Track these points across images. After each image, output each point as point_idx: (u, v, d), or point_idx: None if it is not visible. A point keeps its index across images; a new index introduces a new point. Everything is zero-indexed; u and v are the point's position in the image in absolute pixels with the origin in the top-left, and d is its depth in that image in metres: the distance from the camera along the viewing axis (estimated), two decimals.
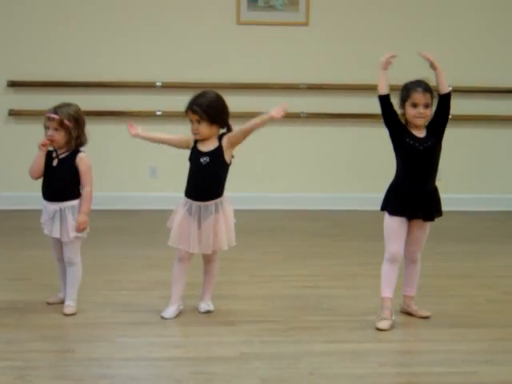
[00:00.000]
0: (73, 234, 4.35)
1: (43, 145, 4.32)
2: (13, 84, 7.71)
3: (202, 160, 4.35)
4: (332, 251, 6.15)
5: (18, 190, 7.30)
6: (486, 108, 8.02)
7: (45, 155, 4.39)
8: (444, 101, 4.33)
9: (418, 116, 4.27)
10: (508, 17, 8.09)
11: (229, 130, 4.42)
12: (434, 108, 4.33)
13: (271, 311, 4.54)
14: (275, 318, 4.40)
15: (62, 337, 4.05)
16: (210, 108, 4.31)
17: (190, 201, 4.38)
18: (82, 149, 4.41)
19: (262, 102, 7.84)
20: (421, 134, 4.32)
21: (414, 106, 4.27)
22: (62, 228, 4.35)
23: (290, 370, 3.65)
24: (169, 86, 7.69)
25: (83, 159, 4.38)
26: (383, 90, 4.35)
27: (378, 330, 4.21)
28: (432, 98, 4.29)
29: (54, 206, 4.35)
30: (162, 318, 4.36)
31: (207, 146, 4.36)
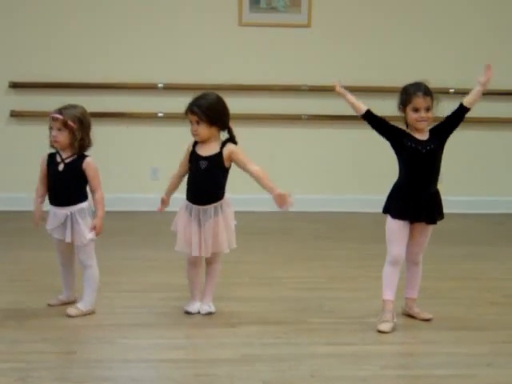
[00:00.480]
0: (90, 235, 4.34)
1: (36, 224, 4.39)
2: (14, 85, 7.71)
3: (200, 164, 4.35)
4: (333, 253, 6.15)
5: (18, 191, 7.29)
6: (486, 110, 8.00)
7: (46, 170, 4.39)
8: (462, 112, 4.34)
9: (420, 120, 4.26)
10: (509, 18, 8.09)
11: (229, 131, 4.42)
12: (436, 110, 4.31)
13: (272, 313, 4.54)
14: (276, 320, 4.40)
15: (63, 338, 4.04)
16: (209, 109, 4.32)
17: (190, 204, 4.38)
18: (86, 152, 4.40)
19: (264, 104, 7.89)
20: (423, 136, 4.31)
21: (416, 110, 4.26)
22: (75, 232, 4.33)
23: (291, 372, 3.65)
24: (170, 88, 7.70)
25: (90, 164, 4.35)
26: (361, 110, 4.37)
27: (380, 332, 4.21)
28: (432, 100, 4.29)
29: (64, 211, 4.32)
30: (187, 312, 4.44)
31: (207, 151, 4.37)
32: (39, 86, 7.68)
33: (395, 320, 4.28)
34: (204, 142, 4.37)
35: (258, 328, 4.26)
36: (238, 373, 3.62)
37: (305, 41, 7.93)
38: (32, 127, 7.65)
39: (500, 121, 8.07)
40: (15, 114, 7.74)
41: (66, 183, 4.34)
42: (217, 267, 4.52)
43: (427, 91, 4.28)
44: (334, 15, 7.94)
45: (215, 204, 4.36)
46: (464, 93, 7.80)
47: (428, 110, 4.27)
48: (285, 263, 5.77)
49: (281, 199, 4.23)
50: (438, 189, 4.38)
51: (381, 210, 4.40)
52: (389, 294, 4.31)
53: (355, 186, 8.01)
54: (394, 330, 4.24)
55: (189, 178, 4.43)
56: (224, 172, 4.38)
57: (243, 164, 4.35)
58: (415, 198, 4.29)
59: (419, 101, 4.25)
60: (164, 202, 4.51)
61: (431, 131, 4.34)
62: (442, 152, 4.34)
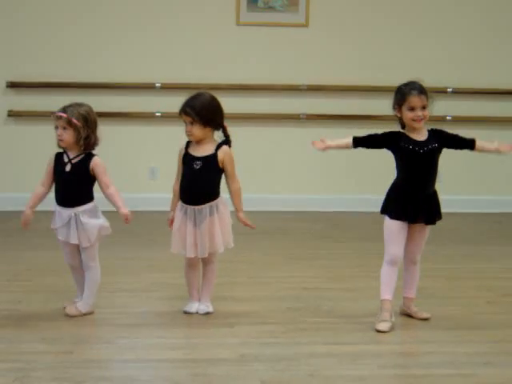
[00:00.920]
0: (104, 231, 4.34)
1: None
2: (12, 85, 7.71)
3: (194, 165, 4.35)
4: (332, 253, 6.15)
5: (17, 191, 7.28)
6: (485, 109, 8.03)
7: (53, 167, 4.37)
8: (467, 147, 4.39)
9: (417, 119, 4.25)
10: (508, 18, 8.09)
11: (224, 131, 4.40)
12: (432, 108, 4.31)
13: (271, 313, 4.54)
14: (275, 320, 4.40)
15: (61, 338, 4.04)
16: (202, 110, 4.31)
17: (185, 205, 4.38)
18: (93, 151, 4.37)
19: (262, 103, 7.88)
20: (421, 136, 4.30)
21: (412, 109, 4.24)
22: (80, 233, 4.30)
23: (289, 372, 3.65)
24: (168, 87, 7.69)
25: (98, 163, 4.33)
26: (348, 144, 4.44)
27: (378, 331, 4.21)
28: (427, 98, 4.27)
29: (69, 212, 4.30)
30: (185, 312, 4.44)
31: (201, 151, 4.36)
32: (37, 85, 7.68)
33: (393, 319, 4.28)
34: (198, 142, 4.37)
35: (256, 328, 4.26)
36: (237, 372, 3.62)
37: (302, 40, 7.92)
38: (30, 127, 7.66)
39: (499, 120, 8.07)
40: (13, 114, 7.73)
41: (73, 184, 4.31)
42: (213, 267, 4.50)
43: (422, 90, 4.28)
44: (331, 15, 7.94)
45: (210, 203, 4.35)
46: (463, 92, 7.90)
47: (424, 108, 4.26)
48: (283, 263, 5.77)
49: (241, 222, 4.42)
50: (435, 189, 4.37)
51: (379, 210, 4.40)
52: (387, 294, 4.30)
53: (354, 185, 8.01)
54: (392, 329, 4.24)
55: (182, 180, 4.41)
56: (218, 172, 4.38)
57: (228, 176, 4.39)
58: (413, 199, 4.29)
59: (415, 100, 4.24)
60: (173, 220, 4.44)
61: (431, 132, 4.33)
62: (439, 153, 4.34)
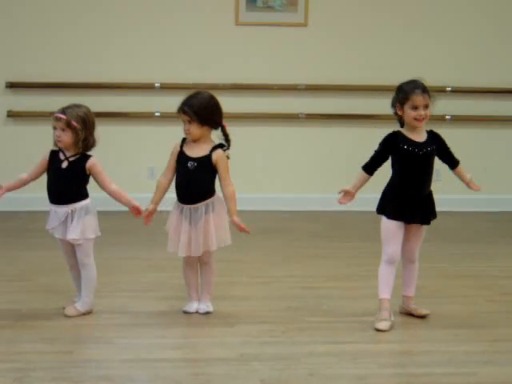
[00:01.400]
0: (92, 235, 4.33)
1: None
2: (11, 85, 7.71)
3: (189, 165, 4.35)
4: (331, 252, 6.15)
5: (16, 191, 7.25)
6: (485, 108, 8.03)
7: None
8: (447, 162, 4.47)
9: (419, 118, 4.23)
10: (508, 17, 8.09)
11: (223, 130, 4.40)
12: (433, 108, 4.31)
13: (270, 312, 4.54)
14: (274, 319, 4.40)
15: (61, 338, 4.04)
16: (200, 109, 4.31)
17: (180, 204, 4.38)
18: (89, 152, 4.37)
19: (261, 103, 7.88)
20: (420, 138, 4.29)
21: (415, 108, 4.23)
22: (75, 228, 4.29)
23: (289, 371, 3.65)
24: (167, 87, 7.69)
25: (96, 163, 4.33)
26: (365, 175, 4.44)
27: (377, 330, 4.21)
28: (430, 97, 4.27)
29: (65, 209, 4.30)
30: (185, 312, 4.44)
31: (196, 152, 4.36)
32: (36, 86, 7.68)
33: (393, 318, 4.28)
34: (195, 141, 4.37)
35: (256, 327, 4.26)
36: (236, 372, 3.63)
37: (301, 40, 7.92)
38: (29, 127, 7.65)
39: (499, 119, 8.07)
40: (12, 114, 7.73)
41: (69, 180, 4.31)
42: (210, 267, 4.49)
43: (425, 89, 4.27)
44: (330, 14, 7.94)
45: (206, 201, 4.35)
46: (463, 92, 7.90)
47: (426, 107, 4.24)
48: (283, 262, 5.77)
49: (235, 226, 4.36)
50: (431, 190, 4.37)
51: (376, 211, 4.41)
52: (385, 293, 4.30)
53: None
54: (391, 328, 4.24)
55: (177, 179, 4.41)
56: (213, 172, 4.37)
57: (221, 179, 4.37)
58: (410, 199, 4.29)
59: (418, 98, 4.22)
60: (151, 215, 4.42)
61: (430, 134, 4.33)
62: (435, 155, 4.35)
